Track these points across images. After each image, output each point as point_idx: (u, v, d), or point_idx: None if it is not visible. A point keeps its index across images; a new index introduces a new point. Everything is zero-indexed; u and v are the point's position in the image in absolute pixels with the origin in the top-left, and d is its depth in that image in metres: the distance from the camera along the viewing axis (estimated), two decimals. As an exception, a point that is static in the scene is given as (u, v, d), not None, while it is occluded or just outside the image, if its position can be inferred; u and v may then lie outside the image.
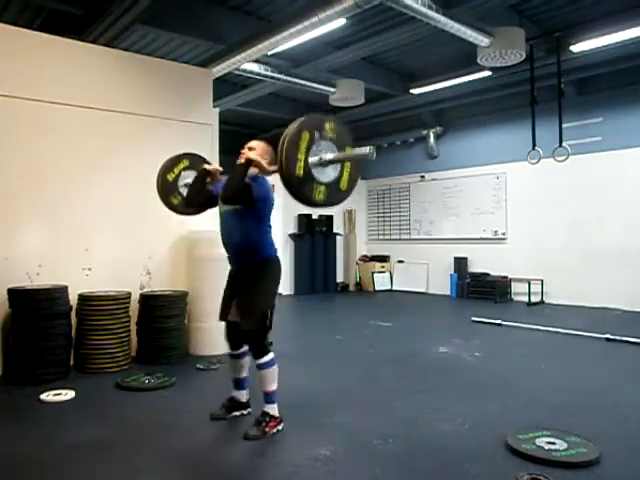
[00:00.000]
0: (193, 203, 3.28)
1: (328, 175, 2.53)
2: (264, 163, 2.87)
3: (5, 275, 4.24)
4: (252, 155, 2.89)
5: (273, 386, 3.00)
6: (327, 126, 2.54)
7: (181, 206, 3.51)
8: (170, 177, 3.54)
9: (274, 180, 2.82)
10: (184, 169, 3.56)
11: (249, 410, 3.24)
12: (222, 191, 2.92)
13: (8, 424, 3.18)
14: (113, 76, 5.03)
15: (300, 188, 2.44)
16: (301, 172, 2.40)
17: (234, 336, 3.14)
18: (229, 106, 8.90)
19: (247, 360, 3.21)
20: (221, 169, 3.21)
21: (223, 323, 3.18)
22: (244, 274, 3.03)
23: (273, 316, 3.04)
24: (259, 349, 2.97)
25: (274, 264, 3.11)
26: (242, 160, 2.94)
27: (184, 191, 3.48)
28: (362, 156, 2.60)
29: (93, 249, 4.77)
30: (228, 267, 3.18)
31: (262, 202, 2.98)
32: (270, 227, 3.11)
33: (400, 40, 6.65)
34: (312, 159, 2.46)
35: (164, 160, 3.60)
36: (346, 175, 2.62)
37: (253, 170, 2.90)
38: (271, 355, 2.99)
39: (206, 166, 3.24)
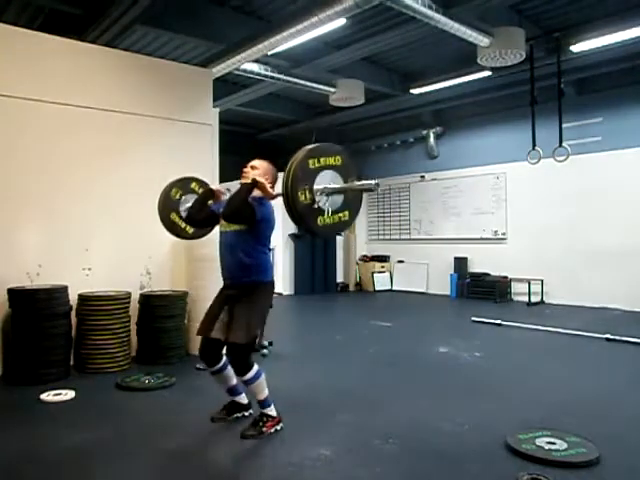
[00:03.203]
0: (195, 222, 3.28)
1: (331, 204, 2.55)
2: (268, 187, 2.87)
3: (5, 275, 4.24)
4: (259, 177, 2.88)
5: (264, 394, 2.98)
6: (335, 156, 2.56)
7: (182, 228, 3.56)
8: (174, 194, 3.58)
9: (275, 202, 2.88)
10: (186, 193, 3.61)
11: (250, 412, 3.22)
12: (225, 208, 2.91)
13: (8, 424, 3.18)
14: (113, 76, 5.02)
15: (303, 215, 2.46)
16: (306, 199, 2.42)
17: (211, 352, 3.07)
18: (229, 106, 8.89)
19: (229, 372, 3.11)
20: (225, 190, 3.22)
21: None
22: (239, 293, 2.97)
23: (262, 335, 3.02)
24: (243, 366, 2.90)
25: (269, 287, 3.08)
26: (245, 180, 2.97)
27: (184, 212, 3.53)
28: (366, 187, 2.62)
29: (93, 249, 4.77)
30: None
31: (264, 223, 2.96)
32: (269, 250, 3.09)
33: (400, 40, 6.65)
34: (317, 187, 2.47)
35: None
36: (348, 208, 2.64)
37: (256, 192, 2.90)
38: (255, 368, 2.94)
39: (211, 186, 3.29)
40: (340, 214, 2.62)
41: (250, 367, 2.92)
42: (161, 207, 3.58)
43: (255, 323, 2.93)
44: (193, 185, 3.66)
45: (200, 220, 3.22)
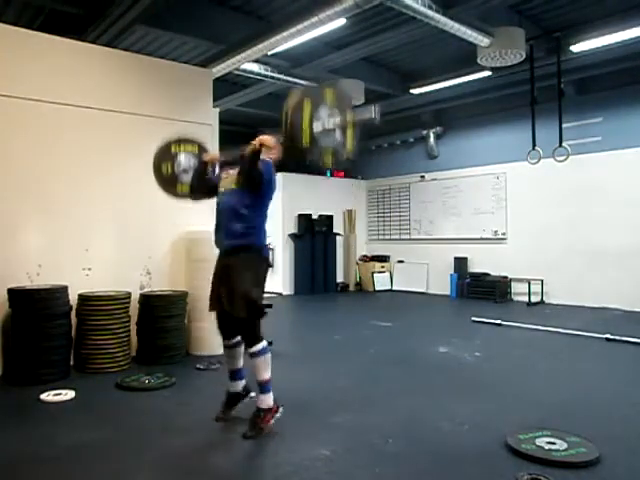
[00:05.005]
0: (197, 195, 3.38)
1: (333, 139, 2.62)
2: (272, 142, 2.87)
3: (5, 275, 4.24)
4: (261, 137, 2.85)
5: (267, 374, 3.00)
6: (327, 94, 2.63)
7: (186, 194, 3.58)
8: (166, 170, 3.57)
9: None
10: (173, 159, 3.60)
11: (251, 395, 3.22)
12: (239, 175, 2.98)
13: (8, 424, 3.18)
14: (113, 76, 5.02)
15: (308, 155, 2.53)
16: (307, 141, 2.46)
17: (227, 325, 3.15)
18: (229, 106, 8.90)
19: (242, 350, 3.19)
20: (218, 156, 3.31)
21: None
22: (232, 261, 3.02)
23: (263, 305, 3.03)
24: (251, 337, 2.99)
25: (262, 252, 3.12)
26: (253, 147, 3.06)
27: (184, 177, 3.57)
28: (366, 120, 2.69)
29: (93, 249, 4.77)
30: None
31: (267, 184, 3.02)
32: (266, 216, 3.13)
33: (400, 40, 6.65)
34: (316, 127, 2.50)
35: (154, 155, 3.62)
36: (350, 137, 2.71)
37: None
38: (264, 343, 3.01)
39: (204, 157, 3.32)
40: (345, 147, 2.72)
41: (259, 339, 2.99)
42: (163, 186, 3.57)
43: (252, 292, 2.96)
44: (173, 149, 3.61)
45: (202, 192, 3.32)
